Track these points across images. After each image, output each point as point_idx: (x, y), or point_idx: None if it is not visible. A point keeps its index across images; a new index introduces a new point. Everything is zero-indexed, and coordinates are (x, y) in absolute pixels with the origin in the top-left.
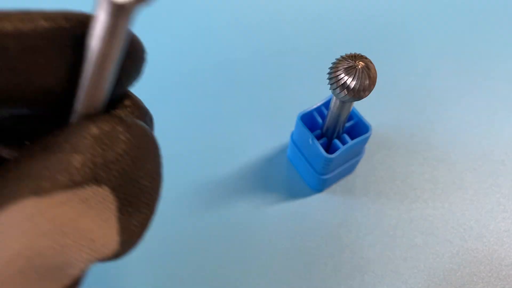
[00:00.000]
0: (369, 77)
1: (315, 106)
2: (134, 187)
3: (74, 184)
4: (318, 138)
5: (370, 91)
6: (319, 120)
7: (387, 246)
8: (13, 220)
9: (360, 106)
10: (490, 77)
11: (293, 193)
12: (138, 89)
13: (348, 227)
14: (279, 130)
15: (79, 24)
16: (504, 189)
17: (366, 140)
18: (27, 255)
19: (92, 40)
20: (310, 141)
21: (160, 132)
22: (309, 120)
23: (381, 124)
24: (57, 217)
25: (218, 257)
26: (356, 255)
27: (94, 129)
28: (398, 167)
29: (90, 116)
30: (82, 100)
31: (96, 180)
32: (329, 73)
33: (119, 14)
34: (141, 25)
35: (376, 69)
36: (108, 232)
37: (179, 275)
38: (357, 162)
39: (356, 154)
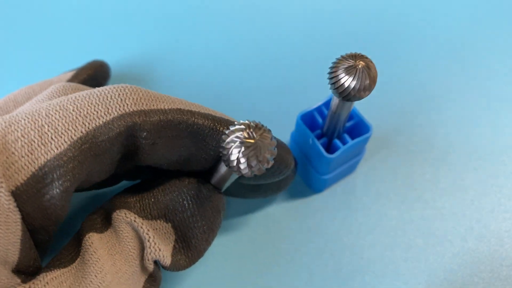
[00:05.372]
0: (370, 77)
1: (315, 106)
2: (189, 232)
3: (151, 217)
4: (319, 138)
5: (370, 91)
6: (319, 120)
7: (387, 247)
8: (117, 217)
9: (361, 106)
10: (490, 77)
11: (293, 193)
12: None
13: (348, 227)
14: (279, 130)
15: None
16: (505, 189)
17: (366, 140)
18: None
19: (221, 168)
20: (310, 141)
21: None
22: (309, 120)
23: (382, 124)
24: (141, 227)
25: (217, 257)
26: (356, 255)
27: (185, 188)
28: (399, 167)
29: (195, 180)
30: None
31: (165, 217)
32: (329, 73)
33: (232, 177)
34: (149, 28)
35: (376, 69)
36: (167, 250)
37: (178, 274)
38: (357, 162)
39: (357, 154)
